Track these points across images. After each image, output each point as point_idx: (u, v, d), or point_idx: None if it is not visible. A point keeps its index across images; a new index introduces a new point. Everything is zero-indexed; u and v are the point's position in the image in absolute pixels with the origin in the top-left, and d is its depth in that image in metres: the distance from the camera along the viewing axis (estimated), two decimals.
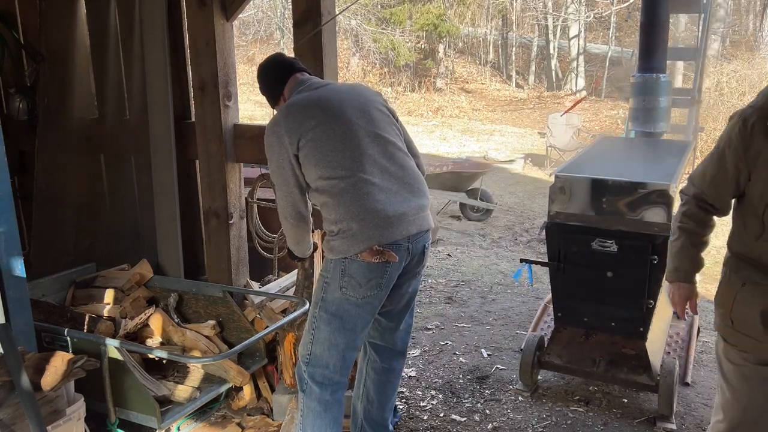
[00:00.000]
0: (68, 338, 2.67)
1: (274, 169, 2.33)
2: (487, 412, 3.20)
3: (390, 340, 2.58)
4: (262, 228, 3.65)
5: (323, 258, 2.39)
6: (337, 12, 3.00)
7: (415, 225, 2.29)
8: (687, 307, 2.08)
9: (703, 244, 2.02)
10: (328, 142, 2.25)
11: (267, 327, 3.00)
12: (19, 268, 2.31)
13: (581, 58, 19.04)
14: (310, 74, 2.54)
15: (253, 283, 3.44)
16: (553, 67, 19.90)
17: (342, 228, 2.21)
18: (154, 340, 3.04)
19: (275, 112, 2.50)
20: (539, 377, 3.47)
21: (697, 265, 2.04)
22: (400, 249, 2.25)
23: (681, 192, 2.05)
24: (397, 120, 2.48)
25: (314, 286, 2.41)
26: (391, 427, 2.74)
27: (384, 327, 2.55)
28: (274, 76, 2.50)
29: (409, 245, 2.29)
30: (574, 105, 11.24)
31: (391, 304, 2.47)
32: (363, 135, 2.29)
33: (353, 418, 2.71)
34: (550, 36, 20.03)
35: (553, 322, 3.48)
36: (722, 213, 1.99)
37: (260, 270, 3.70)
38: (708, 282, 5.85)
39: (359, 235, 2.19)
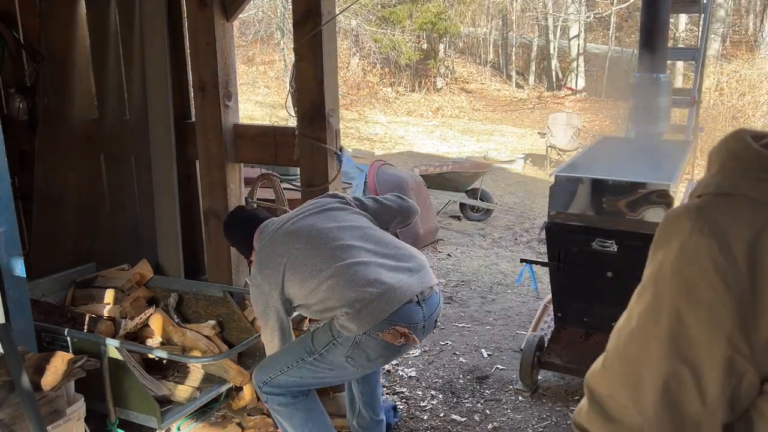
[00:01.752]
0: (68, 338, 2.67)
1: (260, 314, 2.35)
2: (487, 412, 3.20)
3: None
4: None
5: None
6: (337, 12, 3.00)
7: (418, 284, 2.24)
8: None
9: None
10: (301, 261, 2.23)
11: None
12: (19, 268, 2.31)
13: (581, 58, 19.04)
14: (265, 213, 2.60)
15: None
16: (553, 67, 19.90)
17: (347, 311, 2.13)
18: (154, 340, 3.04)
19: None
20: (539, 377, 3.47)
21: None
22: (416, 330, 2.20)
23: (576, 425, 0.95)
24: (358, 203, 2.49)
25: (317, 333, 2.30)
26: (382, 416, 2.71)
27: None
28: (241, 234, 2.51)
29: (424, 324, 2.24)
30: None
31: None
32: (330, 230, 2.29)
33: (350, 405, 2.70)
34: (550, 36, 20.03)
35: (553, 322, 3.49)
36: None
37: None
38: None
39: (365, 312, 2.11)
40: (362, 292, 2.13)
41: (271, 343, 2.36)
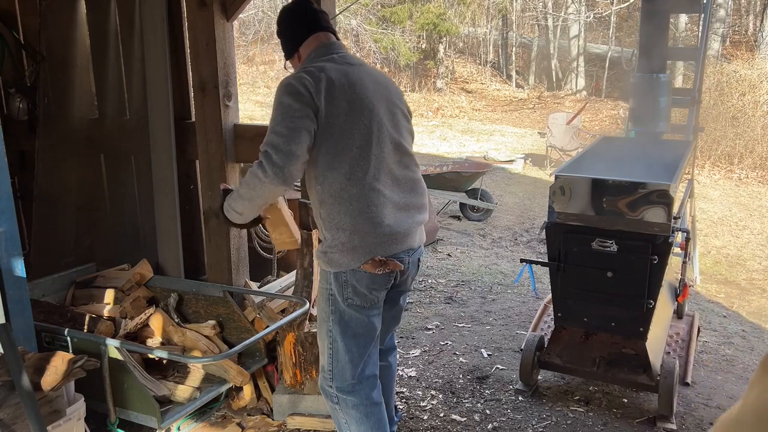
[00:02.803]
0: (68, 338, 2.67)
1: (287, 112, 2.02)
2: (487, 412, 3.20)
3: (381, 341, 2.59)
4: (262, 228, 3.65)
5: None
6: (337, 12, 3.00)
7: (416, 240, 2.30)
8: None
9: None
10: (356, 134, 2.12)
11: (267, 327, 3.00)
12: (19, 268, 2.31)
13: (581, 58, 19.04)
14: (336, 36, 2.32)
15: (253, 283, 3.44)
16: (553, 67, 19.90)
17: (343, 240, 2.14)
18: (154, 340, 3.04)
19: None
20: (539, 377, 3.47)
21: None
22: (401, 260, 2.25)
23: None
24: (410, 122, 2.42)
25: (318, 299, 2.35)
26: (396, 419, 2.74)
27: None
28: (292, 31, 2.26)
29: (408, 258, 2.29)
30: (578, 112, 11.18)
31: (386, 316, 2.47)
32: (387, 140, 2.20)
33: None
34: (550, 36, 20.03)
35: (553, 322, 3.48)
36: None
37: (260, 270, 3.69)
38: (708, 282, 5.85)
39: (360, 249, 2.15)
40: (371, 229, 2.14)
41: (286, 151, 2.00)
